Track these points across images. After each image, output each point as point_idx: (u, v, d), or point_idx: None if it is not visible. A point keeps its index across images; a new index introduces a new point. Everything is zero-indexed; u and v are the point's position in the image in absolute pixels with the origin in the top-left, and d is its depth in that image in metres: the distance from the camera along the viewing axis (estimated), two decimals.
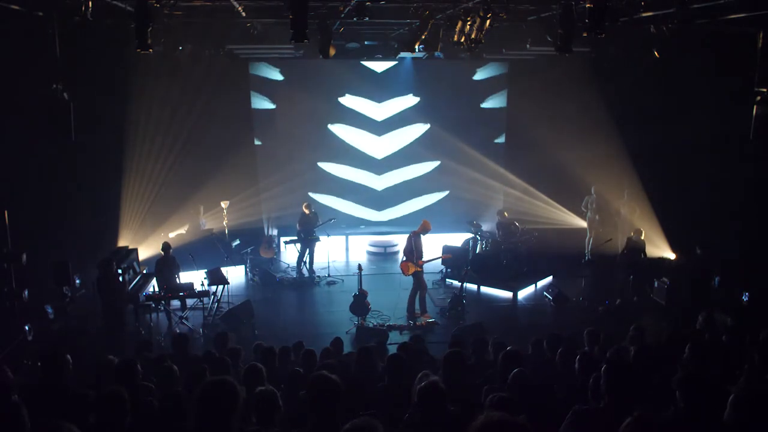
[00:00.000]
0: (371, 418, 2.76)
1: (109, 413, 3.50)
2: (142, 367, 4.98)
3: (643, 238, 11.17)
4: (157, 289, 9.81)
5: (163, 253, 10.07)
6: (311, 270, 12.49)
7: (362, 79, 13.93)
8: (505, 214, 13.04)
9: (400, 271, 10.33)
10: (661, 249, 12.02)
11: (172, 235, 12.59)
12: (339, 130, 14.45)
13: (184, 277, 10.47)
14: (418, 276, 10.07)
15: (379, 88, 14.19)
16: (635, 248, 10.93)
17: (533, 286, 12.03)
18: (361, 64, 13.75)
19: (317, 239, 12.64)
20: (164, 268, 9.97)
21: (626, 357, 5.10)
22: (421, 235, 10.17)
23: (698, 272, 10.12)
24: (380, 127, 14.56)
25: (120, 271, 9.25)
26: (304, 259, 12.55)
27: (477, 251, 12.80)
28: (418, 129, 14.62)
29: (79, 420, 3.30)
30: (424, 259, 10.16)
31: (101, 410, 3.54)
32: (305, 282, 12.29)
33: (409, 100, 14.39)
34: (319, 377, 3.49)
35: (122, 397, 3.54)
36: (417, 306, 10.15)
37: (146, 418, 3.73)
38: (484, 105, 14.44)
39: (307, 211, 12.52)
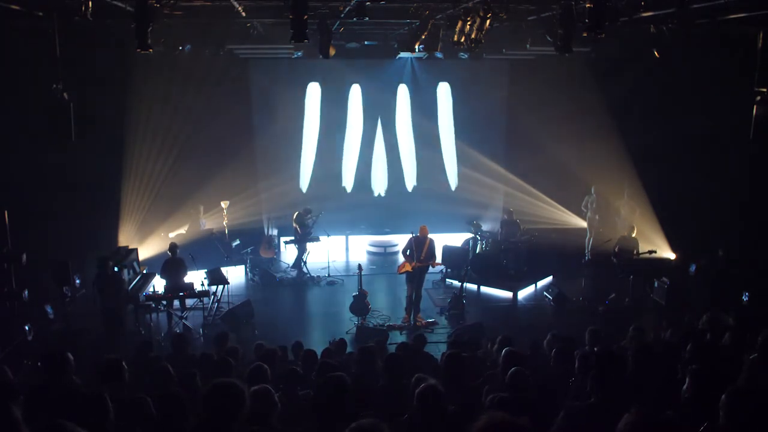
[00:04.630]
0: (377, 420, 2.76)
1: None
2: (142, 367, 4.99)
3: (634, 235, 11.18)
4: (161, 290, 9.84)
5: (170, 254, 10.07)
6: (301, 269, 12.47)
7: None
8: (512, 212, 13.22)
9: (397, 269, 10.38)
10: (661, 249, 12.01)
11: (172, 235, 12.59)
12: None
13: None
14: (408, 276, 10.05)
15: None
16: (627, 246, 10.93)
17: (533, 286, 12.03)
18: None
19: (316, 239, 12.65)
20: (171, 269, 9.98)
21: (623, 355, 5.08)
22: (422, 238, 10.02)
23: (722, 275, 10.01)
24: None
25: (117, 269, 9.24)
26: (304, 259, 12.56)
27: (477, 251, 12.81)
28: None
29: (84, 419, 3.30)
30: (421, 261, 9.98)
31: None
32: (305, 282, 12.29)
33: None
34: (332, 378, 3.50)
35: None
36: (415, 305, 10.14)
37: (141, 417, 3.72)
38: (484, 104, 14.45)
39: (301, 211, 12.54)
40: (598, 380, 3.61)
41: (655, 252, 11.01)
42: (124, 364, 4.36)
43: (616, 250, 11.03)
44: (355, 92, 14.24)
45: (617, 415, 2.84)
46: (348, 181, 14.78)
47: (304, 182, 14.49)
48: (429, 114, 14.53)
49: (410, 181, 14.93)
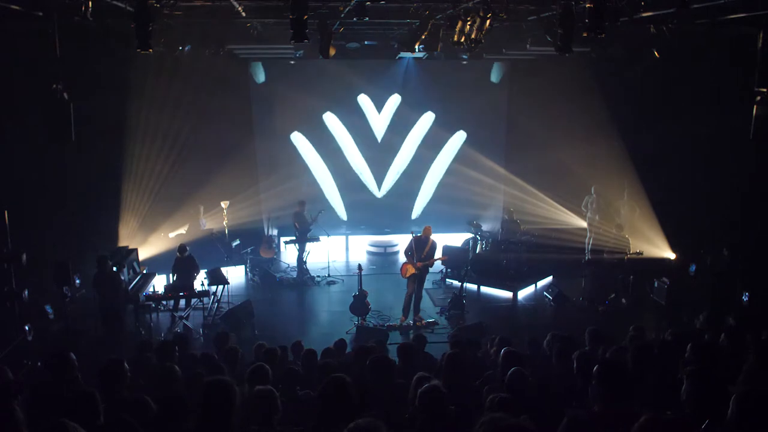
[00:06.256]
0: (375, 420, 2.77)
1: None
2: (142, 368, 4.98)
3: (624, 234, 11.22)
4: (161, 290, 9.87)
5: (179, 254, 10.08)
6: (304, 269, 12.45)
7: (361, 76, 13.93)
8: (512, 212, 13.32)
9: (400, 272, 10.32)
10: (661, 249, 12.02)
11: (172, 235, 12.60)
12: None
13: None
14: (412, 278, 10.04)
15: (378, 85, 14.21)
16: (618, 247, 11.03)
17: (533, 286, 12.04)
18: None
19: (316, 239, 12.64)
20: (181, 268, 9.99)
21: (623, 358, 5.08)
22: (425, 239, 10.02)
23: (725, 275, 9.99)
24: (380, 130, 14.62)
25: (116, 268, 9.25)
26: (304, 259, 12.54)
27: (477, 251, 12.81)
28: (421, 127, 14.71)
29: (87, 419, 3.31)
30: (422, 261, 10.00)
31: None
32: (305, 282, 12.28)
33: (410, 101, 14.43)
34: (333, 379, 3.51)
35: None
36: (412, 306, 10.13)
37: (142, 417, 3.71)
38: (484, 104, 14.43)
39: (298, 209, 12.51)
40: (602, 390, 3.59)
41: (641, 253, 11.08)
42: (126, 364, 4.35)
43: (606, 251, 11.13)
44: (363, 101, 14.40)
45: (621, 423, 2.84)
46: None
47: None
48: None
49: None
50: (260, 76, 13.79)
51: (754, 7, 7.56)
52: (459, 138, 14.75)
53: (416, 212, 15.12)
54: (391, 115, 14.52)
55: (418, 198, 15.09)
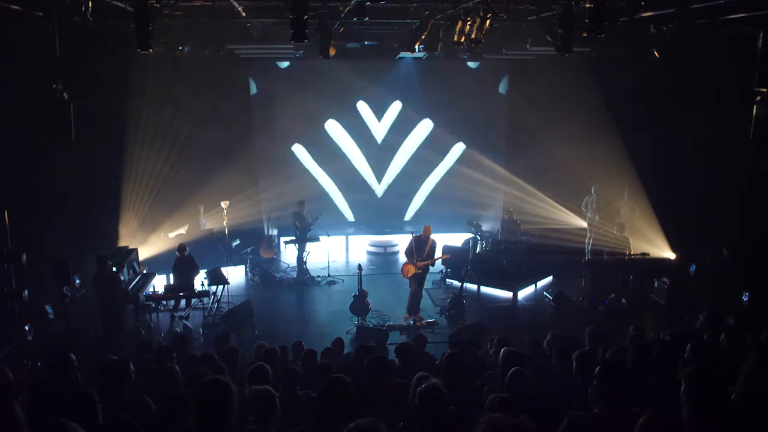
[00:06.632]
0: (374, 419, 2.77)
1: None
2: (143, 368, 4.98)
3: (625, 234, 11.22)
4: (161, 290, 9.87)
5: (179, 253, 10.09)
6: (303, 269, 12.44)
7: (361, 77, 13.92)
8: (512, 212, 13.36)
9: (402, 273, 10.32)
10: (661, 249, 12.02)
11: (172, 235, 12.60)
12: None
13: None
14: (413, 278, 10.04)
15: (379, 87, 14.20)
16: (618, 247, 11.04)
17: (533, 286, 12.04)
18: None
19: (316, 239, 12.62)
20: (181, 268, 10.00)
21: (623, 358, 5.08)
22: (425, 238, 10.04)
23: (725, 275, 9.96)
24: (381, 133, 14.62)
25: (115, 268, 9.25)
26: (305, 259, 12.54)
27: (477, 251, 12.81)
28: (421, 130, 14.69)
29: (86, 419, 3.31)
30: (423, 260, 10.02)
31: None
32: (305, 282, 12.28)
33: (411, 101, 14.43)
34: (332, 380, 3.51)
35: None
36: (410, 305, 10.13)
37: (142, 417, 3.72)
38: (484, 104, 14.42)
39: (298, 209, 12.50)
40: (602, 392, 3.59)
41: (648, 254, 11.09)
42: (131, 365, 4.35)
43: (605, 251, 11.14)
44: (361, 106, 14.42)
45: (621, 424, 2.84)
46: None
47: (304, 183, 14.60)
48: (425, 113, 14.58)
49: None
50: (252, 89, 13.80)
51: (754, 7, 7.57)
52: (458, 148, 14.77)
53: (410, 214, 15.07)
54: (392, 116, 14.50)
55: (413, 200, 15.06)
